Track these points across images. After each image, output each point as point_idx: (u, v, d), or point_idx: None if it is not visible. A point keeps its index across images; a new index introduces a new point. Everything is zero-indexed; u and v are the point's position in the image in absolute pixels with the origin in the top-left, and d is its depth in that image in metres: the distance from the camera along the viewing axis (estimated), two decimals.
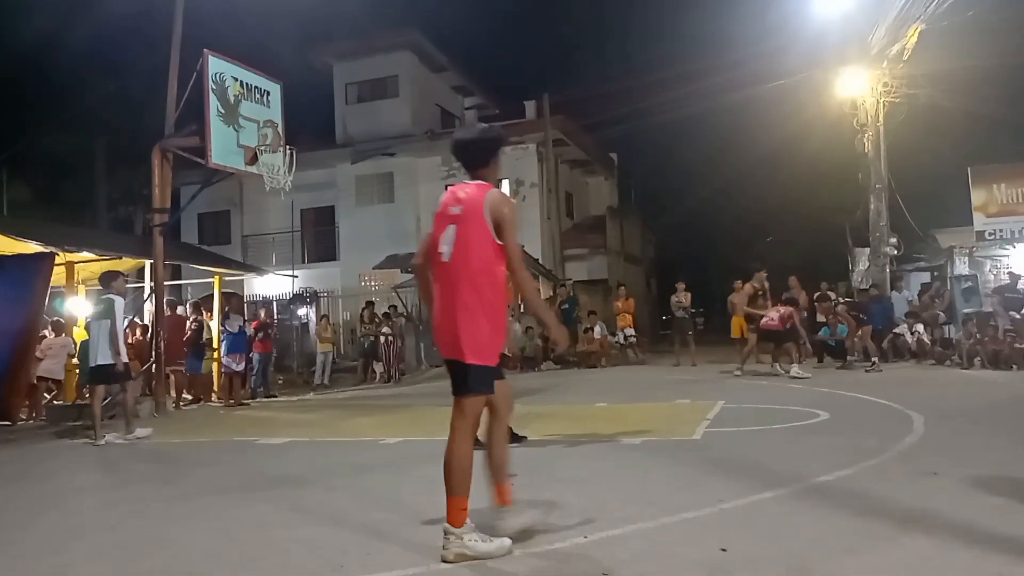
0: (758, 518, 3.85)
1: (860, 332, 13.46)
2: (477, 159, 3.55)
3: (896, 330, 14.45)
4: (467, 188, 3.46)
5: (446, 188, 3.74)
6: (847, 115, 17.27)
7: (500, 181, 3.69)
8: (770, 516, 3.88)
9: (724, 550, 3.30)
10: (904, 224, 17.92)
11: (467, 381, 3.40)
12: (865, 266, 18.17)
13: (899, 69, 16.31)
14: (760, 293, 12.96)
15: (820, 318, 16.06)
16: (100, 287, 8.49)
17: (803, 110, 19.56)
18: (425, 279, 3.62)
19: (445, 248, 3.39)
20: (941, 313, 14.69)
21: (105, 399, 8.74)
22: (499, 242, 3.35)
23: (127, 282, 9.34)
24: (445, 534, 3.36)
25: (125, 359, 8.23)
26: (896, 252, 17.46)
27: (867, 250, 17.82)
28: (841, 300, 15.44)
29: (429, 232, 3.56)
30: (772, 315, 12.20)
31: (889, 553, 3.22)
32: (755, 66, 21.32)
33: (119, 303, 8.10)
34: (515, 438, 5.99)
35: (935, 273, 18.63)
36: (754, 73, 21.03)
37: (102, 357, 8.05)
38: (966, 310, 14.25)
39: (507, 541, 3.44)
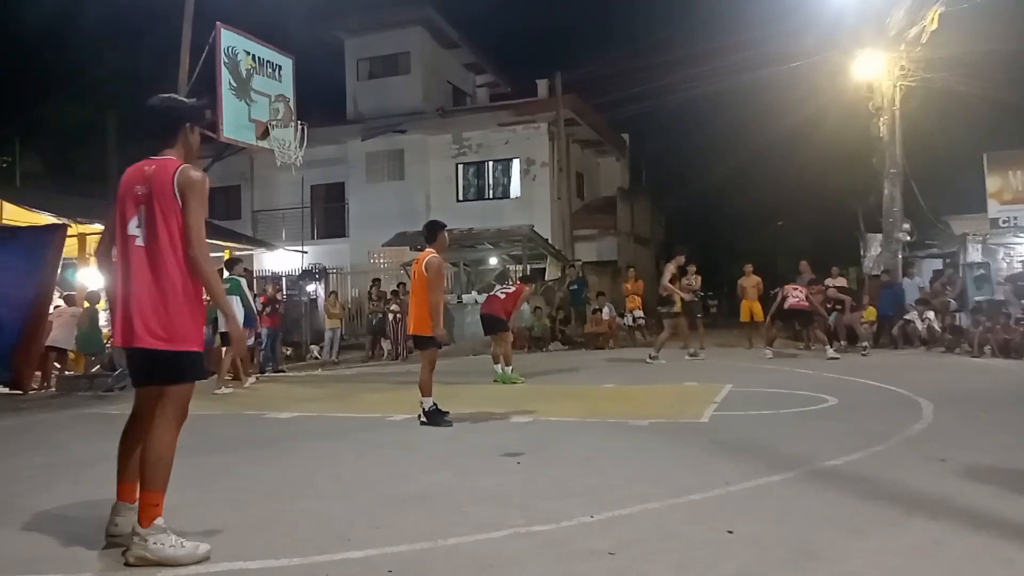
0: (765, 500, 3.86)
1: (848, 317, 13.48)
2: (160, 132, 3.36)
3: (906, 316, 14.38)
4: (153, 163, 3.27)
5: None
6: (863, 98, 17.07)
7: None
8: (777, 499, 3.89)
9: (731, 531, 3.31)
10: (917, 210, 17.77)
11: (180, 368, 3.21)
12: (877, 251, 18.04)
13: (916, 52, 16.08)
14: (681, 274, 12.95)
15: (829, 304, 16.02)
16: (226, 271, 10.45)
17: (818, 93, 19.34)
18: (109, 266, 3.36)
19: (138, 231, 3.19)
20: (952, 300, 14.59)
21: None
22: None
23: (244, 268, 11.47)
24: (133, 533, 3.11)
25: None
26: (909, 238, 17.33)
27: (880, 235, 17.69)
28: (832, 284, 15.43)
29: (112, 217, 3.33)
30: (799, 294, 12.31)
31: (897, 537, 3.22)
32: (770, 47, 21.04)
33: (243, 283, 10.42)
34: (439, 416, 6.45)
35: (947, 260, 18.48)
36: (769, 54, 20.75)
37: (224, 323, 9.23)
38: (977, 298, 14.16)
39: (203, 547, 3.15)
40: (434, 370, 6.73)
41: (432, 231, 7.00)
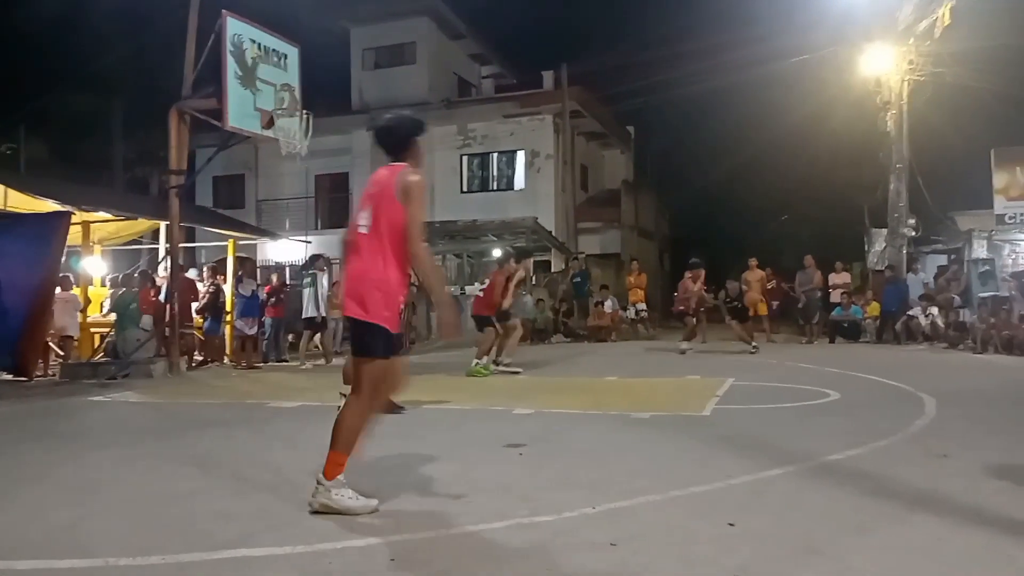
0: (767, 494, 3.86)
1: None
2: (395, 145, 3.86)
3: (910, 312, 14.35)
4: (387, 169, 3.78)
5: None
6: (870, 93, 17.00)
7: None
8: (779, 493, 3.89)
9: (732, 525, 3.31)
10: (923, 205, 17.71)
11: (370, 340, 3.60)
12: (882, 247, 17.99)
13: (925, 47, 16.00)
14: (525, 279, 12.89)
15: (834, 298, 16.00)
16: (308, 265, 12.49)
17: (826, 87, 19.24)
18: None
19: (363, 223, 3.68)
20: (956, 296, 14.56)
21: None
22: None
23: (327, 262, 12.78)
24: (317, 483, 3.57)
25: (324, 313, 12.25)
26: (914, 233, 17.28)
27: (884, 231, 17.64)
28: (773, 276, 15.76)
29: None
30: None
31: (899, 533, 3.22)
32: (778, 41, 20.90)
33: (322, 276, 12.21)
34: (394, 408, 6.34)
35: (952, 256, 18.43)
36: (777, 48, 20.65)
37: (311, 312, 12.12)
38: (982, 294, 14.13)
39: (373, 501, 3.63)
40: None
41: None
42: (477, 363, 9.73)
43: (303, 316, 12.32)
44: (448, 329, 4.26)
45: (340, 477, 3.59)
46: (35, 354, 10.42)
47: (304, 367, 11.76)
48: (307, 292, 12.24)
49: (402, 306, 3.76)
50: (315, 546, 3.15)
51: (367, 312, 3.57)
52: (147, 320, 11.38)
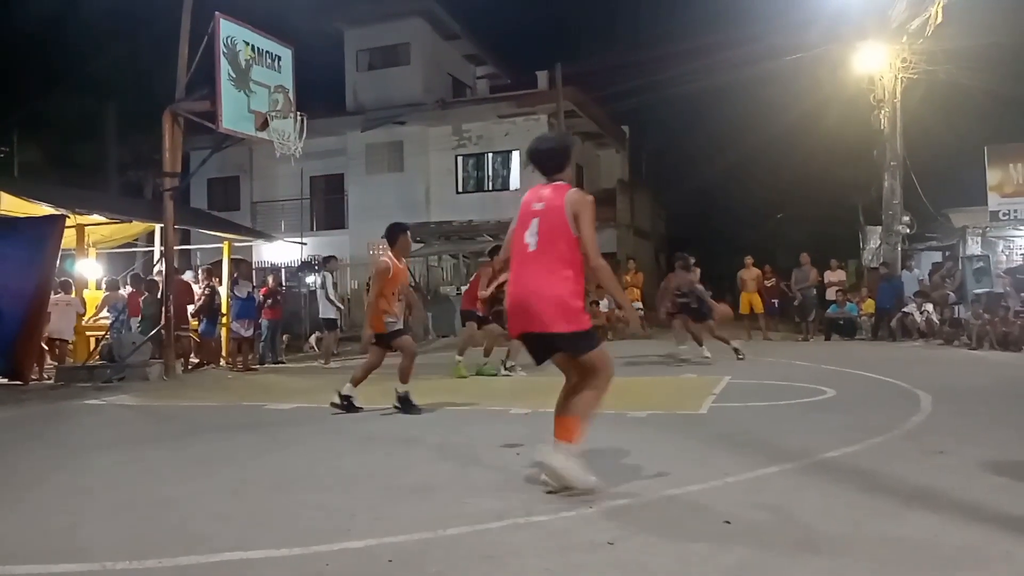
0: (764, 492, 3.86)
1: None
2: (555, 164, 4.05)
3: (905, 309, 14.40)
4: (548, 187, 3.97)
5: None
6: (864, 91, 17.05)
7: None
8: (776, 490, 3.89)
9: (728, 523, 3.32)
10: (917, 202, 17.77)
11: (586, 343, 3.86)
12: (876, 244, 18.05)
13: (919, 45, 16.05)
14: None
15: (829, 296, 16.05)
16: (321, 266, 13.50)
17: (819, 85, 19.31)
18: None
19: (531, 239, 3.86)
20: (951, 293, 14.61)
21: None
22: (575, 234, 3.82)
23: (338, 263, 14.00)
24: (556, 441, 3.76)
25: (334, 315, 13.13)
26: (908, 231, 17.35)
27: (879, 228, 17.69)
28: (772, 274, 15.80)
29: (512, 231, 4.05)
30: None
31: (895, 529, 3.23)
32: (772, 40, 20.99)
33: (329, 277, 13.07)
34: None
35: (947, 253, 18.51)
36: (770, 47, 20.73)
37: (324, 312, 12.99)
38: (977, 290, 14.18)
39: (594, 479, 3.79)
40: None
41: (392, 234, 6.98)
42: (459, 360, 9.80)
43: (321, 316, 13.00)
44: (634, 327, 4.81)
45: (578, 446, 3.75)
46: (31, 358, 10.39)
47: (329, 366, 12.24)
48: (321, 293, 12.82)
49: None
50: (312, 548, 3.14)
51: (571, 324, 3.79)
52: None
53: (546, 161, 4.03)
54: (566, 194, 3.85)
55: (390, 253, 6.98)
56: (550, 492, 3.76)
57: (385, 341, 6.95)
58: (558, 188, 3.92)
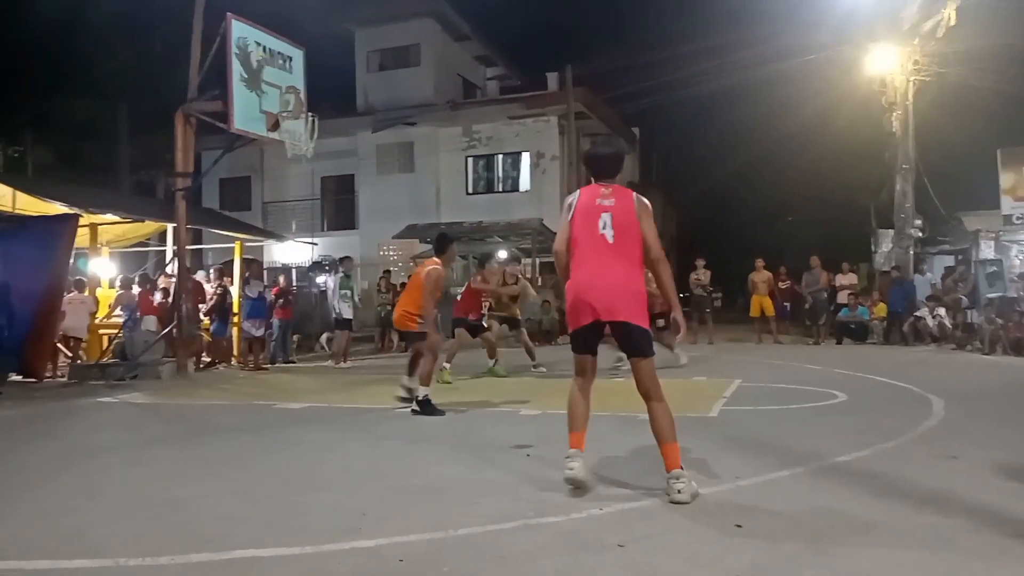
0: (775, 495, 3.85)
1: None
2: (615, 169, 4.30)
3: (917, 313, 14.31)
4: (610, 187, 4.17)
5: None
6: (875, 93, 16.95)
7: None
8: (787, 494, 3.88)
9: (740, 526, 3.31)
10: (930, 206, 17.66)
11: (648, 340, 4.05)
12: (888, 247, 17.94)
13: (930, 47, 15.95)
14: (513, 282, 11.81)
15: (840, 299, 15.97)
16: (333, 267, 13.42)
17: (830, 87, 19.23)
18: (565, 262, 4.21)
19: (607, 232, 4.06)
20: (964, 297, 14.51)
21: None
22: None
23: (353, 264, 13.71)
24: (676, 478, 3.76)
25: (350, 315, 12.88)
26: (920, 234, 17.23)
27: (891, 231, 17.59)
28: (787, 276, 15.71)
29: (570, 222, 4.17)
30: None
31: (907, 534, 3.22)
32: (782, 41, 20.92)
33: (349, 278, 13.07)
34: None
35: (959, 257, 18.36)
36: (781, 48, 20.64)
37: (342, 312, 12.73)
38: (989, 295, 14.07)
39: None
40: (436, 361, 7.12)
41: (442, 243, 7.37)
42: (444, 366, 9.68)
43: (337, 316, 12.85)
44: (681, 333, 4.61)
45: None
46: (43, 357, 10.46)
47: (341, 366, 12.34)
48: (339, 294, 12.76)
49: None
50: (323, 547, 3.16)
51: (638, 318, 3.96)
52: (150, 320, 11.45)
53: (606, 166, 4.27)
54: (632, 196, 4.13)
55: (438, 260, 7.20)
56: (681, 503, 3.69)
57: (411, 339, 7.26)
58: (621, 190, 4.15)
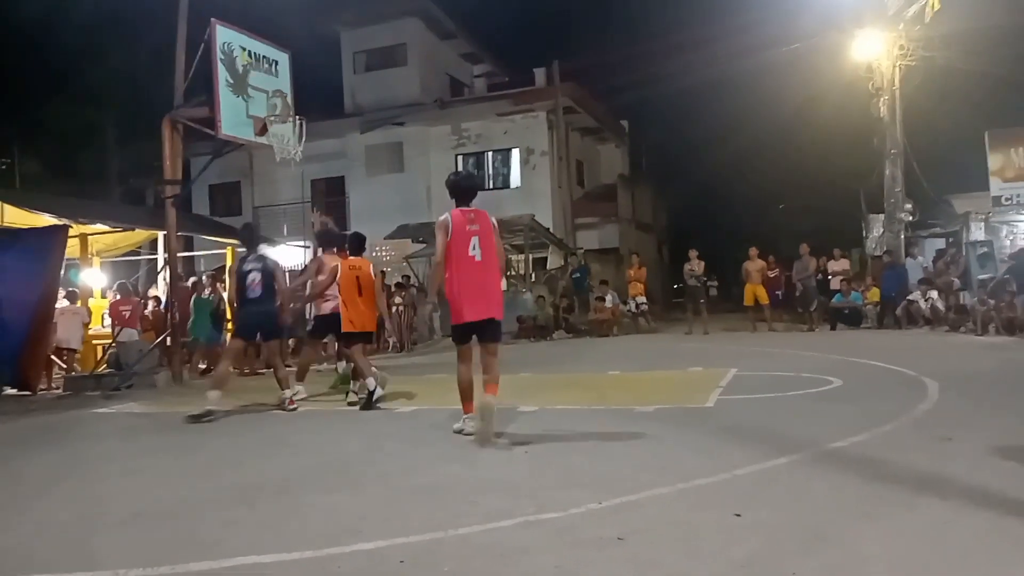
0: (773, 484, 3.87)
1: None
2: (473, 195, 5.58)
3: (910, 297, 14.36)
4: (473, 212, 5.46)
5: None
6: (862, 79, 17.00)
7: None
8: (785, 482, 3.90)
9: (739, 515, 3.32)
10: (919, 190, 17.72)
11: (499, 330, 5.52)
12: (879, 232, 18.01)
13: (916, 31, 16.00)
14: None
15: (833, 285, 16.03)
16: None
17: (818, 74, 19.26)
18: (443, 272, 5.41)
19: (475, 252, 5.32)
20: (956, 279, 14.57)
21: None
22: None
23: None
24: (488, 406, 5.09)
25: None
26: (911, 218, 17.29)
27: (882, 216, 17.65)
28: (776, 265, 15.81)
29: (447, 241, 5.33)
30: None
31: (906, 518, 3.23)
32: (768, 29, 20.96)
33: None
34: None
35: (950, 239, 18.45)
36: (767, 37, 20.72)
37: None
38: (981, 276, 14.13)
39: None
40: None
41: (362, 243, 8.14)
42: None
43: (223, 327, 12.26)
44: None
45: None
46: (38, 368, 10.42)
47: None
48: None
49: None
50: (324, 551, 3.15)
51: (500, 314, 5.42)
52: (130, 333, 11.50)
53: (467, 193, 5.49)
54: (489, 218, 5.46)
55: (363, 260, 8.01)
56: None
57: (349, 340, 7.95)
58: (480, 213, 5.42)
